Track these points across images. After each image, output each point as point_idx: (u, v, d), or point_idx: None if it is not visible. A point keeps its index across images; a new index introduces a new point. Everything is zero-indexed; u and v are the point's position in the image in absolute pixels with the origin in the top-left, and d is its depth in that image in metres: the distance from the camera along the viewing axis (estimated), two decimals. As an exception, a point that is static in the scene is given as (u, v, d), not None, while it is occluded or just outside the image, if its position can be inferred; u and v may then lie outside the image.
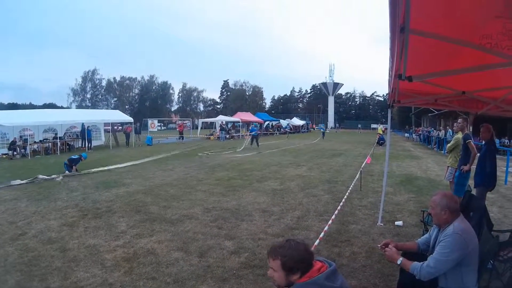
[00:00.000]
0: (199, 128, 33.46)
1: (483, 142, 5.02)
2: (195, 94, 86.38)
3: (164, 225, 4.96)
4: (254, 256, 3.82)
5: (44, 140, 17.32)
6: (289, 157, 14.25)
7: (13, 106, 65.92)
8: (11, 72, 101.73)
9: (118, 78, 77.77)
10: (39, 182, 8.53)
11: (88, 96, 75.14)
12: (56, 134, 18.20)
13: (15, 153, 14.90)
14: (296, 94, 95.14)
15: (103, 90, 77.03)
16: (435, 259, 2.01)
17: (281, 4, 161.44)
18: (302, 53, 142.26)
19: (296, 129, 43.56)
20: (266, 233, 4.61)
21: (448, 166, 6.15)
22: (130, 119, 21.83)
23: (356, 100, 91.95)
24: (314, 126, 59.35)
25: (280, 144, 21.95)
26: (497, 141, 14.21)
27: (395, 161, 12.78)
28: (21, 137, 15.91)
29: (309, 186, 7.87)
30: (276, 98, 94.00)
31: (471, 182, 5.06)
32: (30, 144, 15.76)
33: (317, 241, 3.76)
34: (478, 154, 5.02)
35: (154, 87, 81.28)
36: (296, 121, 46.88)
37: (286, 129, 40.70)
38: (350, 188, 6.93)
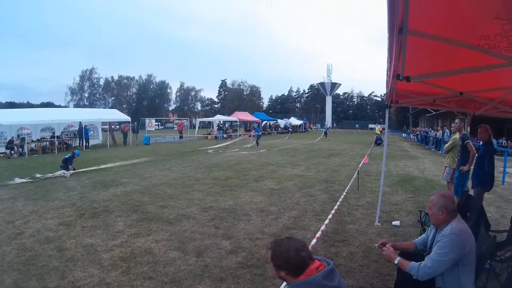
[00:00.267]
0: (197, 127, 33.37)
1: (481, 143, 5.04)
2: (192, 93, 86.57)
3: (161, 224, 4.95)
4: (251, 256, 3.82)
5: (42, 139, 17.27)
6: (287, 157, 14.25)
7: (10, 105, 65.73)
8: (9, 71, 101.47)
9: (116, 77, 77.86)
10: (43, 180, 8.50)
11: (86, 95, 75.14)
12: (53, 133, 18.15)
13: (12, 152, 14.83)
14: (294, 94, 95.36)
15: (101, 89, 76.98)
16: (433, 259, 2.01)
17: (279, 4, 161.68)
18: (300, 53, 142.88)
19: (294, 129, 43.62)
20: (263, 232, 4.61)
21: (446, 166, 6.17)
22: (128, 118, 21.79)
23: (354, 100, 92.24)
24: (311, 126, 59.46)
25: (278, 144, 21.97)
26: (494, 141, 14.25)
27: (392, 161, 12.82)
28: (18, 136, 15.82)
29: (306, 186, 7.87)
30: (273, 97, 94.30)
31: (469, 183, 5.08)
32: (27, 143, 15.71)
33: (314, 240, 3.76)
34: (477, 155, 5.03)
35: (152, 86, 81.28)
36: (294, 121, 46.90)
37: (289, 129, 40.66)
38: (347, 188, 6.93)
